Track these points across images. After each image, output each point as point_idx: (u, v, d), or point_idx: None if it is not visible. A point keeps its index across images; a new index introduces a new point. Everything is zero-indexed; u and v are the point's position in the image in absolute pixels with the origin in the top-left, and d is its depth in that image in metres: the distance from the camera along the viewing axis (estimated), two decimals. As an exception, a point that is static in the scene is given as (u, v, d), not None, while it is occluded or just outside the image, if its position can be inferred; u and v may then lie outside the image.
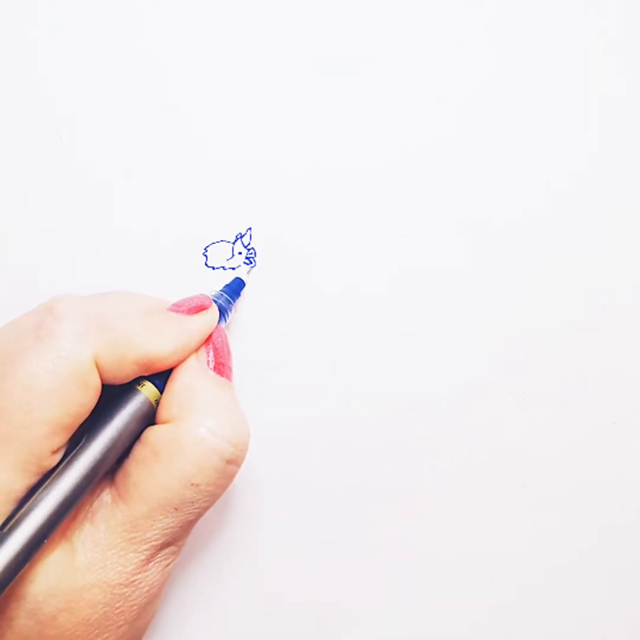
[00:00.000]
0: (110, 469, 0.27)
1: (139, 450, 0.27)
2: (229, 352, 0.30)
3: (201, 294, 0.30)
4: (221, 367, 0.29)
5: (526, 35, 0.35)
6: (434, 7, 0.35)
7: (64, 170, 0.34)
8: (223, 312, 0.31)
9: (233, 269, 0.34)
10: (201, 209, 0.34)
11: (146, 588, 0.26)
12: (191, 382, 0.27)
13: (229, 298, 0.32)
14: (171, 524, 0.26)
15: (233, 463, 0.27)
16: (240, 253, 0.34)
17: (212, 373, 0.28)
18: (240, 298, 0.33)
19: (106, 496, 0.27)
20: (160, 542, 0.26)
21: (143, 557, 0.26)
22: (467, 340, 0.35)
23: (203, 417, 0.26)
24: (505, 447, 0.35)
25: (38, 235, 0.33)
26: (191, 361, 0.28)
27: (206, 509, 0.27)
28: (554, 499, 0.35)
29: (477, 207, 0.35)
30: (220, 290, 0.32)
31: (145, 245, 0.34)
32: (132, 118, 0.34)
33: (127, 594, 0.26)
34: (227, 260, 0.34)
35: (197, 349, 0.29)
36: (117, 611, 0.26)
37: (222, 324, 0.31)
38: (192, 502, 0.26)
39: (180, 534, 0.27)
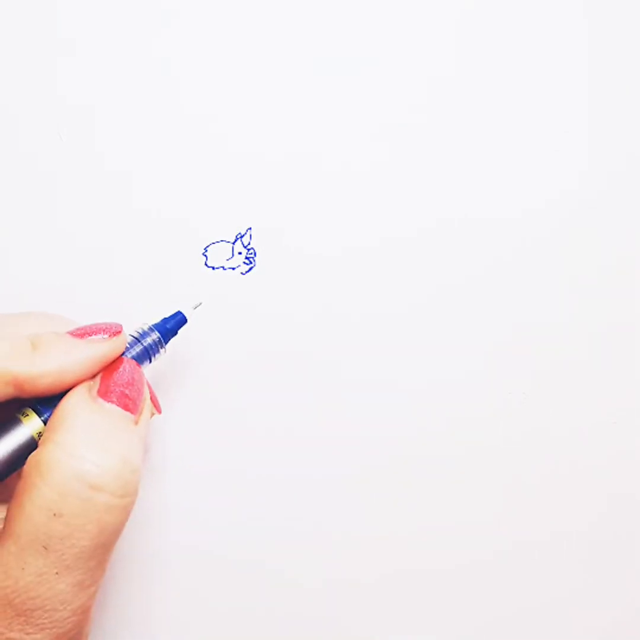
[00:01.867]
0: None
1: (17, 483, 0.24)
2: (138, 386, 0.27)
3: (113, 323, 0.28)
4: (123, 398, 0.26)
5: (526, 37, 0.35)
6: (434, 8, 0.35)
7: (64, 170, 0.34)
8: (149, 351, 0.29)
9: (233, 269, 0.34)
10: (201, 209, 0.34)
11: None
12: (69, 406, 0.25)
13: (160, 338, 0.29)
14: (44, 569, 0.23)
15: (102, 491, 0.23)
16: (240, 253, 0.34)
17: (101, 401, 0.25)
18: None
19: None
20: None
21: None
22: (467, 340, 0.35)
23: (66, 438, 0.24)
24: (505, 447, 0.35)
25: (38, 235, 0.33)
26: (80, 388, 0.26)
27: (86, 550, 0.23)
28: (554, 499, 0.35)
29: (477, 207, 0.35)
30: (153, 325, 0.30)
31: (145, 245, 0.34)
32: (133, 118, 0.34)
33: None
34: (227, 260, 0.34)
35: (93, 377, 0.26)
36: None
37: (147, 363, 0.29)
38: (62, 539, 0.23)
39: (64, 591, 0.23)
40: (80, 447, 0.24)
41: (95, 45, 0.34)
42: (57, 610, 0.23)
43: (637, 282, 0.35)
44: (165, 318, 0.30)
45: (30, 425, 0.25)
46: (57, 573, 0.23)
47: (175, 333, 0.30)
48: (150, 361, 0.29)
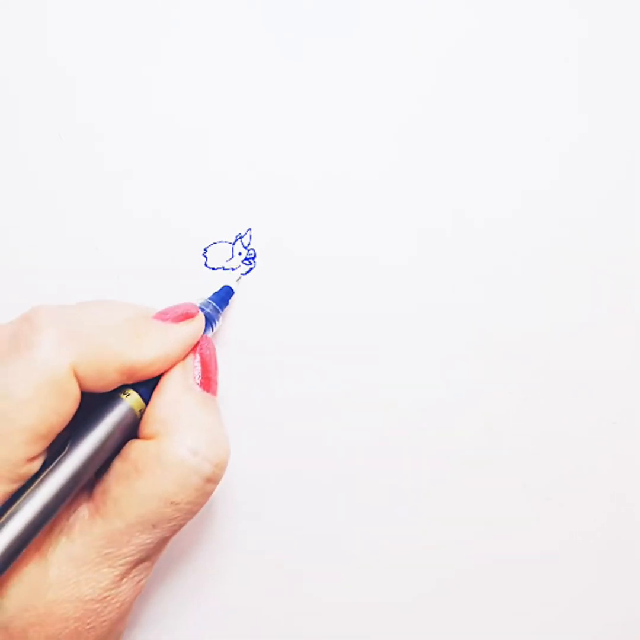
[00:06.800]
0: (88, 483, 0.27)
1: (119, 465, 0.26)
2: (216, 364, 0.29)
3: (187, 302, 0.30)
4: (207, 382, 0.28)
5: (518, 30, 0.35)
6: (430, 8, 0.35)
7: (64, 170, 0.34)
8: (210, 321, 0.30)
9: (233, 269, 0.34)
10: (201, 210, 0.34)
11: (118, 604, 0.26)
12: (176, 397, 0.27)
13: (216, 307, 0.31)
14: (148, 541, 0.26)
15: (211, 482, 0.27)
16: (239, 254, 0.34)
17: (197, 389, 0.28)
18: (229, 306, 0.33)
19: (83, 511, 0.26)
20: (135, 558, 0.26)
21: (117, 572, 0.26)
22: (467, 340, 0.34)
23: (185, 436, 0.26)
24: (505, 447, 0.35)
25: (37, 235, 0.33)
26: (176, 373, 0.28)
27: (182, 525, 0.27)
28: (554, 499, 0.35)
29: (475, 206, 0.35)
30: (208, 299, 0.31)
31: (145, 246, 0.34)
32: (132, 118, 0.34)
33: (98, 609, 0.25)
34: (227, 260, 0.34)
35: (183, 358, 0.28)
36: (88, 627, 0.25)
37: (209, 333, 0.30)
38: (170, 520, 0.26)
39: (155, 550, 0.27)
40: (200, 445, 0.26)
41: (96, 46, 0.34)
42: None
43: (636, 281, 0.35)
44: (215, 292, 0.32)
45: (132, 402, 0.27)
46: (157, 544, 0.26)
47: (227, 303, 0.32)
48: (213, 330, 0.31)
